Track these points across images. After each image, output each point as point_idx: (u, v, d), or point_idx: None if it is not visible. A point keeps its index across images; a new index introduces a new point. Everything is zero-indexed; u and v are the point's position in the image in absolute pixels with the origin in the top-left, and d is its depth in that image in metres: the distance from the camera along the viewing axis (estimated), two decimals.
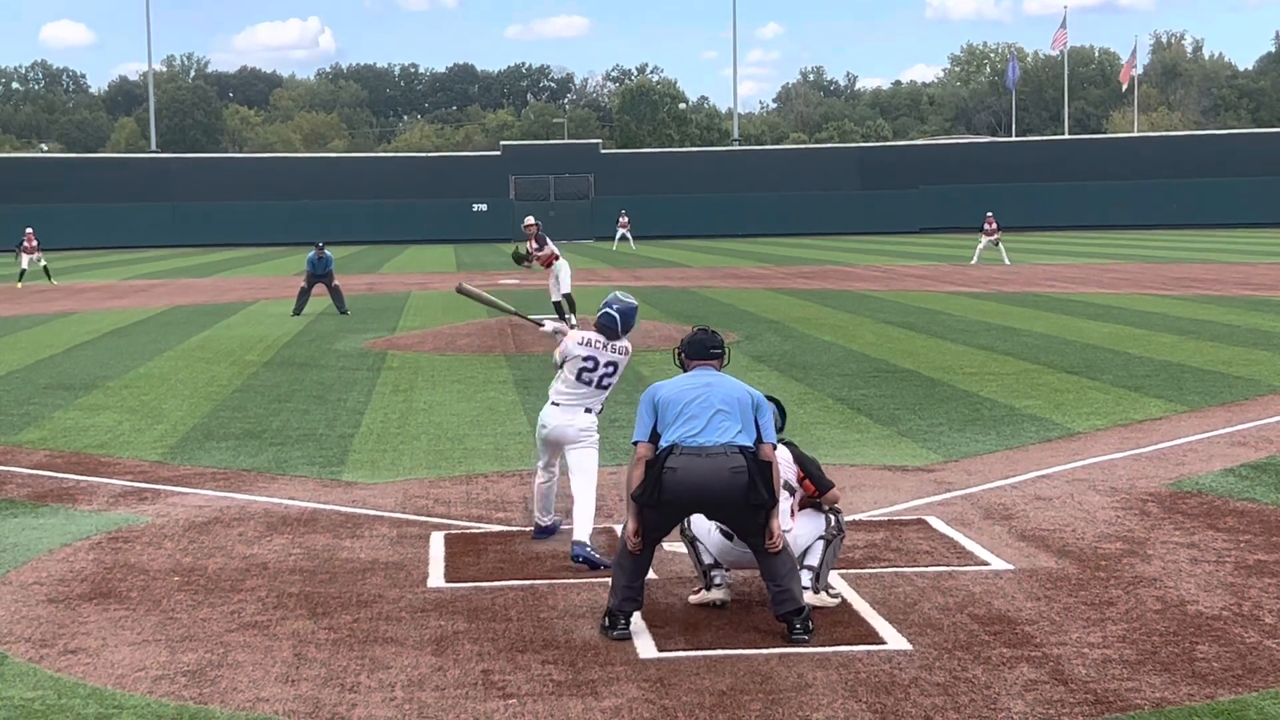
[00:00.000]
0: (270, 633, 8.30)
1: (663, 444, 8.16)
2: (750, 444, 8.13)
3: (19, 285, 44.46)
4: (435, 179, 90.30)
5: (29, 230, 46.94)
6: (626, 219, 70.30)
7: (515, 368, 21.03)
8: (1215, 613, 8.37)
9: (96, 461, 14.00)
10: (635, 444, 8.32)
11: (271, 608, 8.81)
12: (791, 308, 31.21)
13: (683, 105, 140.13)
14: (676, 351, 8.65)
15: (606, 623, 8.16)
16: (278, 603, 8.92)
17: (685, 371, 8.56)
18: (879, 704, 6.97)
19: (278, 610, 8.76)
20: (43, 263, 45.91)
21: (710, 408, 8.18)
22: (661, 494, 8.03)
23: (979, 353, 21.85)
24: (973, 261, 48.68)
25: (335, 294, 32.00)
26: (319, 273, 32.12)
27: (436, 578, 9.45)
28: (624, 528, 8.35)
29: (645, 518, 8.15)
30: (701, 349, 8.59)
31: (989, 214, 50.71)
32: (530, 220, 28.77)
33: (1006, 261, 47.68)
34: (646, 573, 8.33)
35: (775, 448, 8.33)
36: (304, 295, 31.83)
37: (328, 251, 32.63)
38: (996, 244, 48.83)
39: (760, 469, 8.05)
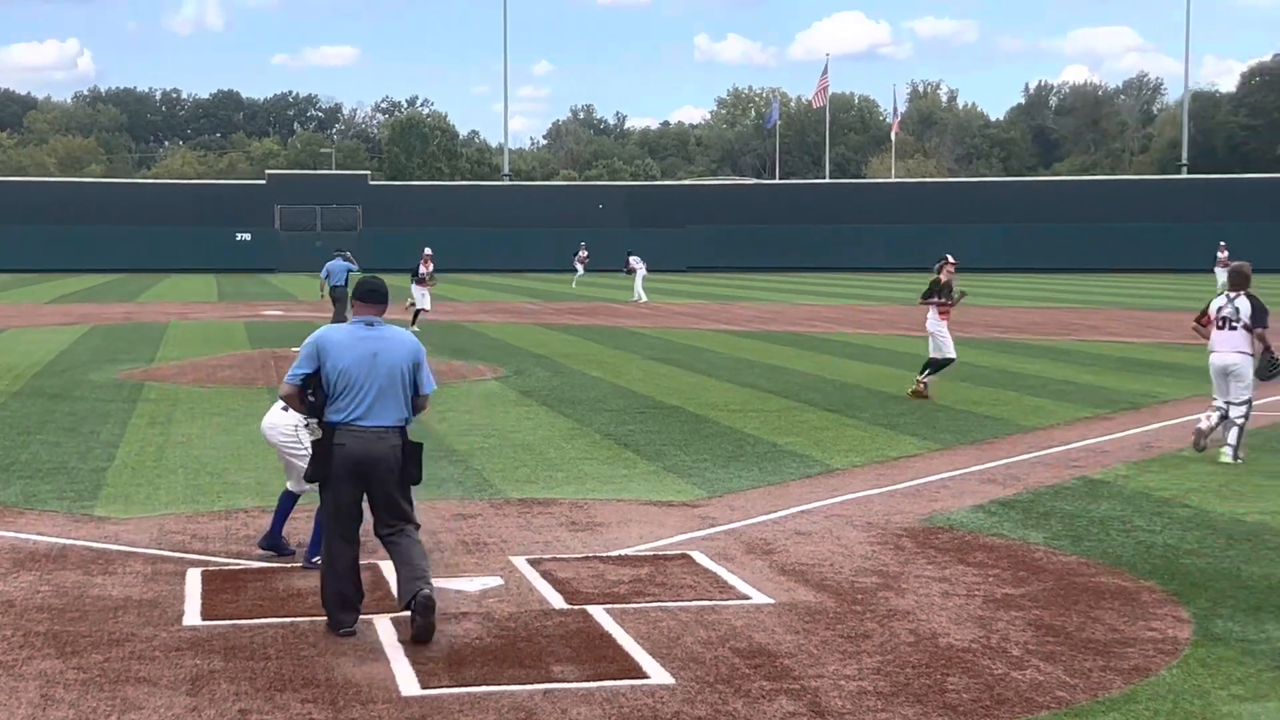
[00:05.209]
0: (15, 673, 7.97)
1: (330, 419, 8.76)
2: (405, 422, 8.86)
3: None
4: (197, 207, 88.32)
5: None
6: (586, 253, 67.82)
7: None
8: (965, 645, 8.64)
9: None
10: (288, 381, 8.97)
11: (17, 647, 8.46)
12: (561, 343, 31.32)
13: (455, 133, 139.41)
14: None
15: (329, 623, 8.70)
16: (24, 641, 8.57)
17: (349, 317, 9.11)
18: None
19: (24, 649, 8.41)
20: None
21: (374, 385, 8.73)
22: (331, 468, 8.71)
23: (743, 390, 22.22)
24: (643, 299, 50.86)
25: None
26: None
27: (193, 615, 9.20)
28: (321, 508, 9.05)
29: (331, 491, 8.81)
30: (370, 294, 9.03)
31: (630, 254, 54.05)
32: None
33: (643, 299, 50.75)
34: (357, 572, 8.84)
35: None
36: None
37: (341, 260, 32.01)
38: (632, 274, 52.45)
39: (413, 450, 8.84)
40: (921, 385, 21.06)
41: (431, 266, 36.94)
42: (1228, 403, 15.68)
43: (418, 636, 8.52)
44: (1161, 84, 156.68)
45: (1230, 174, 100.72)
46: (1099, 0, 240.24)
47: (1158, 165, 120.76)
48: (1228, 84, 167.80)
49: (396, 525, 8.84)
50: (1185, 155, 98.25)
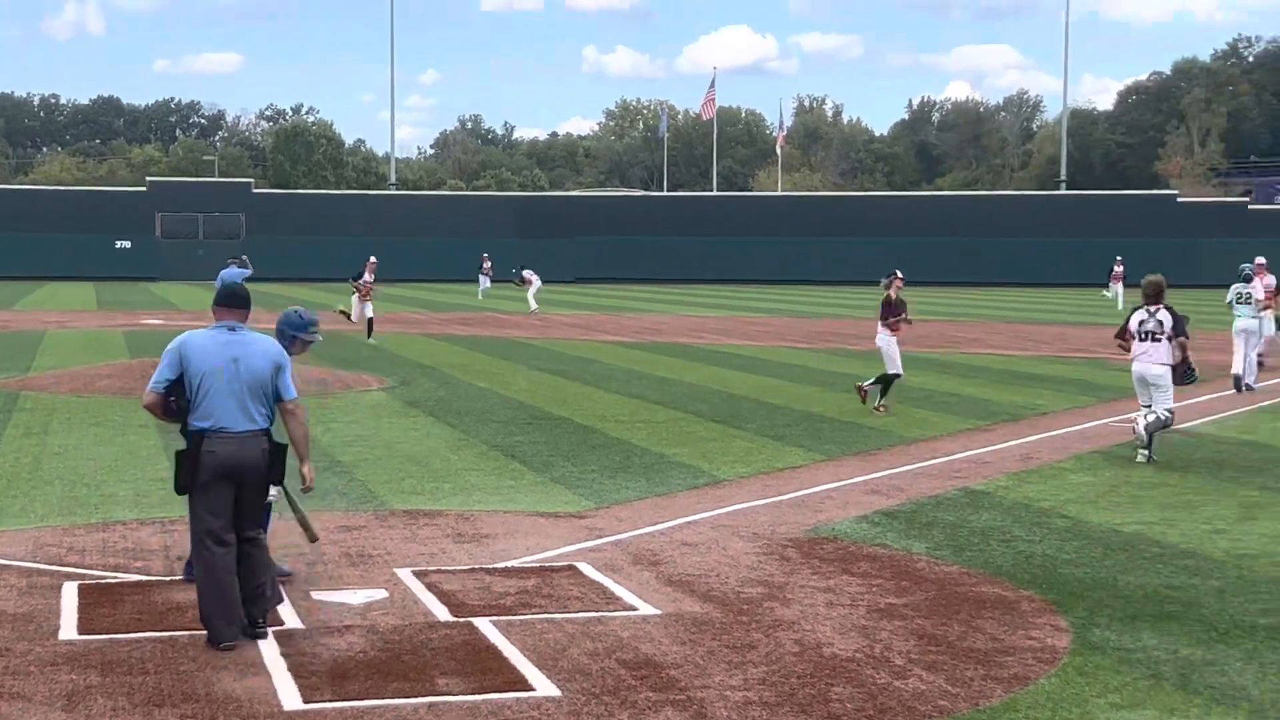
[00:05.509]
0: None
1: (196, 425, 8.74)
2: (269, 424, 8.92)
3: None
4: (76, 213, 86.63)
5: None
6: (489, 264, 65.00)
7: None
8: (849, 655, 8.71)
9: None
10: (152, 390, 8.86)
11: None
12: (447, 354, 31.16)
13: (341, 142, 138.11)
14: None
15: (209, 637, 8.66)
16: None
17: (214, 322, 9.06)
18: None
19: None
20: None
21: (236, 390, 8.75)
22: (199, 476, 8.71)
23: (631, 401, 22.26)
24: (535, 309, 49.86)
25: None
26: None
27: (68, 629, 9.02)
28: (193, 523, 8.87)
29: (202, 500, 8.76)
30: (231, 299, 9.09)
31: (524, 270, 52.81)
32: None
33: (535, 309, 49.52)
34: (234, 579, 8.75)
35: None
36: None
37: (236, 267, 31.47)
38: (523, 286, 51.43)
39: (278, 451, 8.94)
40: (864, 390, 21.31)
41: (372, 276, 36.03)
42: (1149, 409, 16.66)
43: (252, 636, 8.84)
44: (1041, 101, 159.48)
45: (1107, 190, 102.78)
46: (981, 18, 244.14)
47: (1037, 181, 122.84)
48: (1105, 102, 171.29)
49: (255, 531, 8.98)
50: (1064, 171, 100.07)
